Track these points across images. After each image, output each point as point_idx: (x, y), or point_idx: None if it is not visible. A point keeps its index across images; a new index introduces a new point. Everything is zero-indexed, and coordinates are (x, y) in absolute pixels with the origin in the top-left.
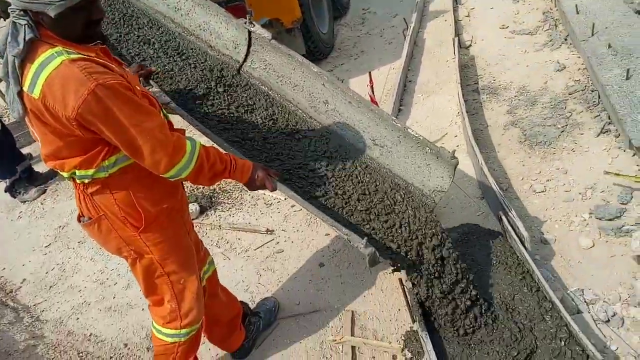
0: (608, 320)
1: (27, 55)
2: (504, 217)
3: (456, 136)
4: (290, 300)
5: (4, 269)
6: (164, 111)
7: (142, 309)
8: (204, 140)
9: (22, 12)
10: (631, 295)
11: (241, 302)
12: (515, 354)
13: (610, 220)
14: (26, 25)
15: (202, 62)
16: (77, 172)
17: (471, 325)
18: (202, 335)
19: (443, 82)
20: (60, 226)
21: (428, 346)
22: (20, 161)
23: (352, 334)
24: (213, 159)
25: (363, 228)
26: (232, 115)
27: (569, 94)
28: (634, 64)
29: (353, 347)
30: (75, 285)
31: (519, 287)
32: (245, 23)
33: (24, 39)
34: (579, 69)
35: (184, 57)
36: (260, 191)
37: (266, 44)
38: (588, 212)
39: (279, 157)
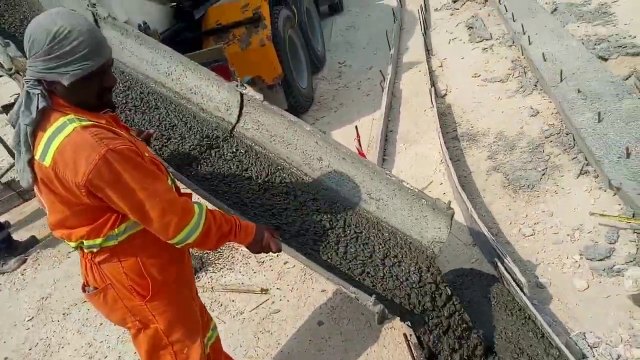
0: None
1: (39, 123)
2: (499, 264)
3: (441, 183)
4: None
5: None
6: (171, 176)
7: None
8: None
9: (36, 82)
10: (632, 336)
11: None
12: None
13: (600, 260)
14: (39, 95)
15: (194, 125)
16: (85, 242)
17: None
18: None
19: (423, 131)
20: (43, 297)
21: None
22: None
23: None
24: (219, 220)
25: (365, 283)
26: (226, 176)
27: (545, 138)
28: (604, 107)
29: None
30: None
31: (524, 332)
32: (237, 86)
33: (37, 107)
34: (552, 113)
35: (177, 120)
36: (263, 254)
37: (258, 105)
38: (578, 254)
39: (275, 216)
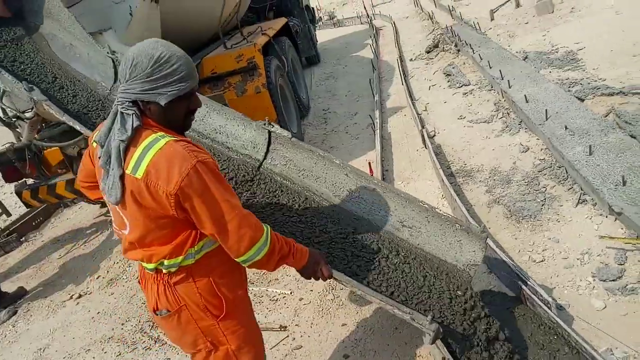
0: None
1: (131, 140)
2: (523, 286)
3: None
4: None
5: None
6: None
7: None
8: None
9: (130, 103)
10: None
11: None
12: None
13: (613, 280)
14: (134, 114)
15: (221, 162)
16: (166, 262)
17: None
18: None
19: (418, 169)
20: (40, 349)
21: None
22: None
23: None
24: (281, 241)
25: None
26: (256, 210)
27: (539, 172)
28: (592, 141)
29: None
30: None
31: (558, 348)
32: (265, 124)
33: (132, 126)
34: (541, 149)
35: None
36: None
37: (286, 141)
38: (591, 276)
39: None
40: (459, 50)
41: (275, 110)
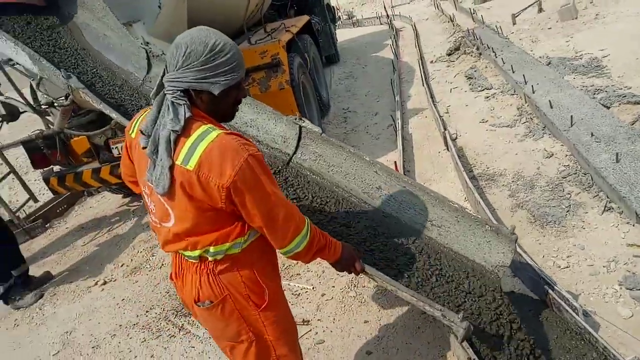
0: None
1: (182, 131)
2: (550, 291)
3: None
4: None
5: None
6: None
7: None
8: None
9: (181, 93)
10: None
11: None
12: None
13: None
14: (184, 105)
15: None
16: (212, 249)
17: None
18: None
19: (440, 171)
20: (66, 332)
21: None
22: (17, 265)
23: None
24: (319, 234)
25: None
26: None
27: (563, 178)
28: (619, 149)
29: None
30: None
31: (585, 353)
32: (296, 119)
33: (185, 116)
34: (566, 155)
35: None
36: (345, 272)
37: (317, 137)
38: (617, 284)
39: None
40: (480, 54)
41: (298, 108)
